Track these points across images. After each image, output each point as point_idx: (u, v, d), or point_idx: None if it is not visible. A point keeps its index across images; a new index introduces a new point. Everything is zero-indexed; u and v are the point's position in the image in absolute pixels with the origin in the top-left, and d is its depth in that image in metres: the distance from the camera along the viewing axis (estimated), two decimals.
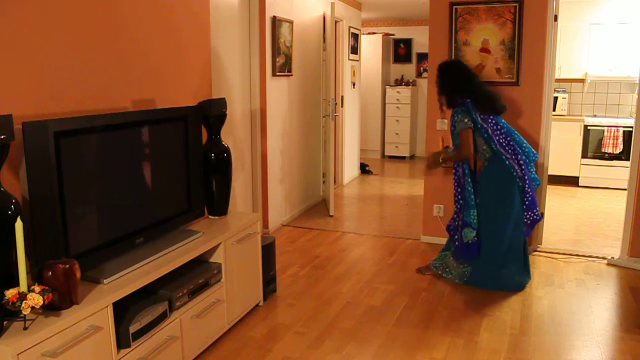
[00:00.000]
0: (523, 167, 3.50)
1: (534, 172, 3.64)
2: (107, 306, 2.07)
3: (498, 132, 3.55)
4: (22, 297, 1.76)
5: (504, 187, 3.55)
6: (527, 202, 3.51)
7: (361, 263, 4.19)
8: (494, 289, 3.59)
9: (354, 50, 7.27)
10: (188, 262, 2.64)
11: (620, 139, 6.59)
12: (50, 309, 1.90)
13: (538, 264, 4.12)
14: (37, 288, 1.82)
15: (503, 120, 3.67)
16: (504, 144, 3.54)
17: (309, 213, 5.70)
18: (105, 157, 2.37)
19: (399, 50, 9.51)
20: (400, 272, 3.97)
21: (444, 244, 4.01)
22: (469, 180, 3.62)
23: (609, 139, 6.65)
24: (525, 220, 3.54)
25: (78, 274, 1.97)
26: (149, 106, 2.98)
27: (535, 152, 3.71)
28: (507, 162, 3.51)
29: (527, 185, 3.51)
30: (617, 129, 6.61)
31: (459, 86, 3.61)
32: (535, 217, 3.55)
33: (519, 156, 3.52)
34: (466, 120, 3.53)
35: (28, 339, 1.75)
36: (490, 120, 3.57)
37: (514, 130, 3.70)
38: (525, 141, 3.70)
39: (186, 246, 2.70)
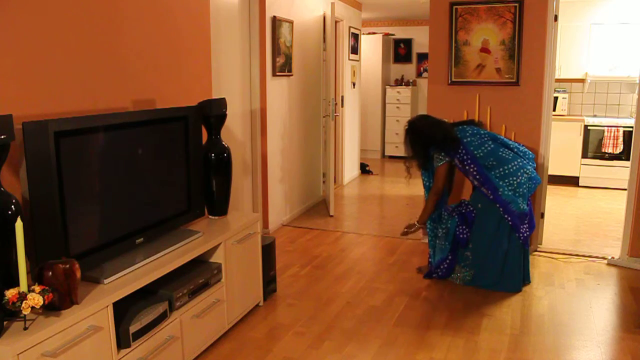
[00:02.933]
0: (491, 195, 3.48)
1: (533, 171, 3.62)
2: (107, 306, 2.08)
3: (469, 161, 3.53)
4: (22, 297, 1.76)
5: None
6: (510, 225, 3.51)
7: (361, 263, 4.19)
8: (494, 290, 3.59)
9: (354, 50, 7.27)
10: (188, 262, 2.64)
11: (621, 139, 6.59)
12: (51, 309, 1.90)
13: (538, 264, 4.12)
14: (37, 288, 1.82)
15: (482, 132, 3.64)
16: (474, 173, 3.53)
17: (309, 213, 5.70)
18: (105, 157, 2.37)
19: (399, 50, 9.51)
20: (400, 272, 3.97)
21: None
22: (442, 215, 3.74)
23: (609, 139, 6.64)
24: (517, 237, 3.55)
25: (78, 274, 1.98)
26: (149, 106, 2.98)
27: (528, 151, 3.72)
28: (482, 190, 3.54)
29: (501, 210, 3.48)
30: (617, 129, 6.60)
31: (422, 145, 3.65)
32: (524, 235, 3.52)
33: (489, 183, 3.47)
34: (441, 157, 3.59)
35: (28, 339, 1.75)
36: (460, 152, 3.55)
37: (496, 135, 3.68)
38: (512, 142, 3.70)
39: (186, 246, 2.70)
